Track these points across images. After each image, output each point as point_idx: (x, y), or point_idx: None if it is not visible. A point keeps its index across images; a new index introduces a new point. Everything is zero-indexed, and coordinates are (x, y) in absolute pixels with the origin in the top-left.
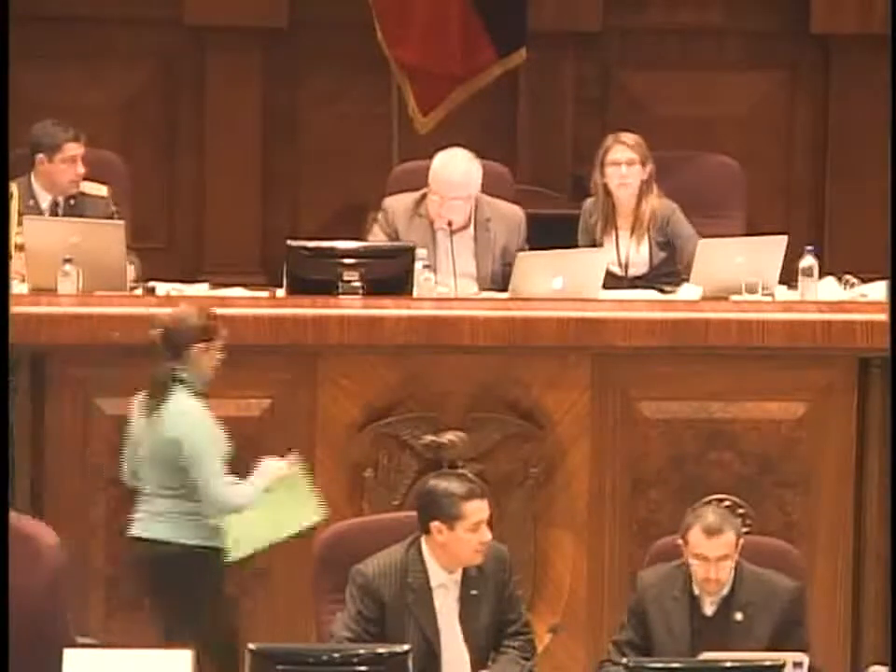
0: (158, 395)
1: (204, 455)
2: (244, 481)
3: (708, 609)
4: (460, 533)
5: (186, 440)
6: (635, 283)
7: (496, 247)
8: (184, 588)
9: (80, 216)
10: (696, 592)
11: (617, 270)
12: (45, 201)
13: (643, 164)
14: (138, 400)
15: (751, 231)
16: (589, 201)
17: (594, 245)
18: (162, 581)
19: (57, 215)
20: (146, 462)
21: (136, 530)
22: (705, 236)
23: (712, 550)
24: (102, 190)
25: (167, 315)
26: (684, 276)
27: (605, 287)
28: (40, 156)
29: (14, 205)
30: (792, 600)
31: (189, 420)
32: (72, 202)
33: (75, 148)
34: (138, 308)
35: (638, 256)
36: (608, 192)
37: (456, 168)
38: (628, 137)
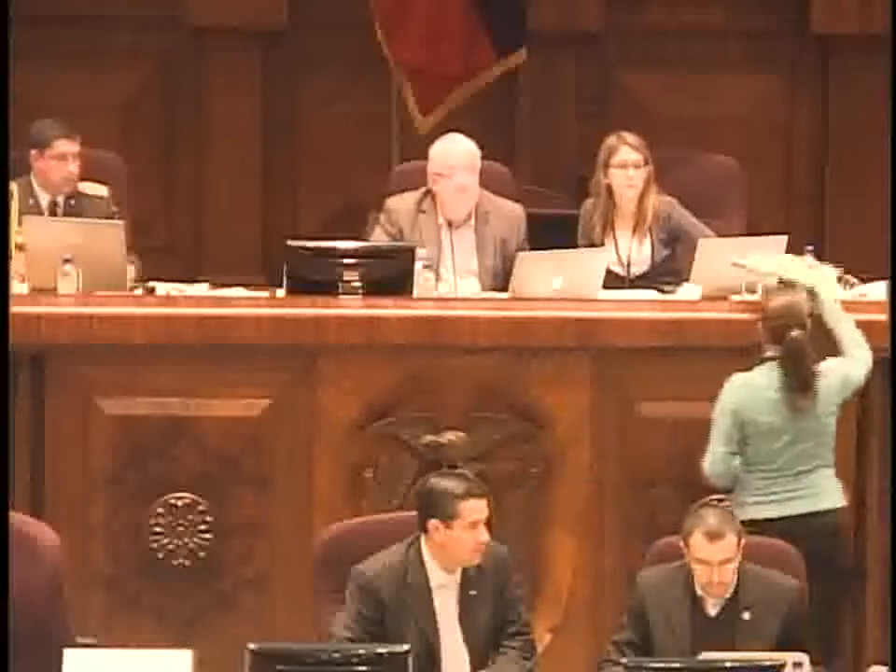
0: (806, 388)
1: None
2: None
3: (712, 609)
4: (457, 532)
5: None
6: (636, 283)
7: (496, 241)
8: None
9: (80, 215)
10: (699, 593)
11: (619, 269)
12: (44, 200)
13: (646, 164)
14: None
15: (751, 231)
16: (588, 202)
17: (594, 247)
18: (829, 548)
19: (56, 214)
20: (788, 449)
21: (798, 508)
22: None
23: (714, 554)
24: (102, 190)
25: (780, 305)
26: (685, 276)
27: (606, 286)
28: (34, 152)
29: (14, 205)
30: (797, 599)
31: (836, 387)
32: (72, 201)
33: (65, 145)
34: (138, 308)
35: (640, 255)
36: (610, 193)
37: (458, 142)
38: (632, 138)
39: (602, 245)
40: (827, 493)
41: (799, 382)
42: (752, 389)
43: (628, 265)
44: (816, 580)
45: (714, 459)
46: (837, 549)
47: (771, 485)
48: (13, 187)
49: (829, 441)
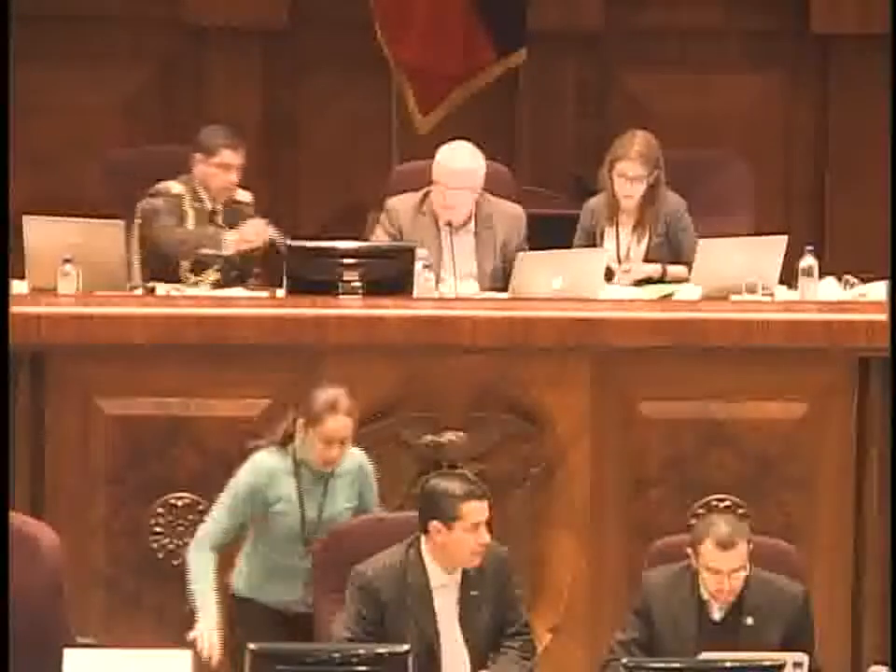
0: None
1: None
2: None
3: (717, 614)
4: (458, 533)
5: None
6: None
7: (496, 243)
8: None
9: (236, 223)
10: (705, 596)
11: (615, 265)
12: (209, 204)
13: (649, 174)
14: None
15: (755, 231)
16: (592, 200)
17: (591, 243)
18: None
19: (214, 221)
20: None
21: None
22: (708, 236)
23: (726, 563)
24: (247, 196)
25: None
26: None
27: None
28: (198, 156)
29: (187, 203)
30: (801, 605)
31: None
32: (229, 209)
33: (230, 156)
34: (138, 308)
35: (639, 250)
36: (613, 188)
37: (461, 158)
38: (635, 150)
39: (602, 237)
40: None
41: None
42: None
43: (625, 261)
44: None
45: None
46: None
47: None
48: (179, 186)
49: None
